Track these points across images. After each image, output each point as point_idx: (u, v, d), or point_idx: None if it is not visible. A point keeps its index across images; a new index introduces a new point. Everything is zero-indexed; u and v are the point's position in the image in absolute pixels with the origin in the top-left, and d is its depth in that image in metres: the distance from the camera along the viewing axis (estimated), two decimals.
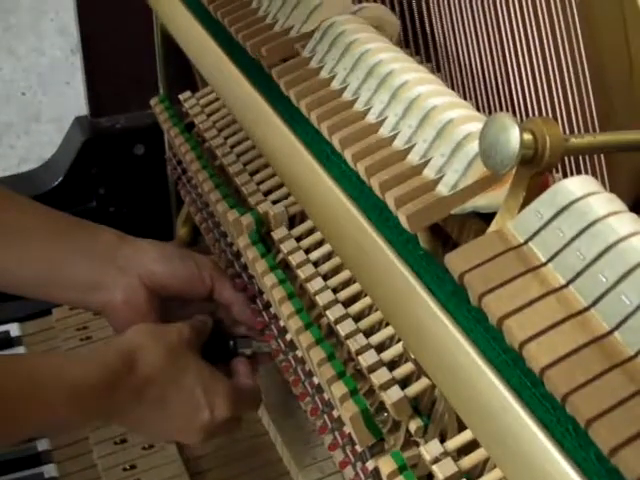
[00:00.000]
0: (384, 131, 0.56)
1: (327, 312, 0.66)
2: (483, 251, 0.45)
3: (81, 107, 1.15)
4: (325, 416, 0.67)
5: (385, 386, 0.59)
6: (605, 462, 0.37)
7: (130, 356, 0.67)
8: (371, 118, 0.58)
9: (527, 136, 0.45)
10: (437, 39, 0.70)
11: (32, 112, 1.54)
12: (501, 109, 0.64)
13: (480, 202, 0.51)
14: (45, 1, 1.46)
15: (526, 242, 0.45)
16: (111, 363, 0.65)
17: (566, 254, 0.43)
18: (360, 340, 0.63)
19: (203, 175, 0.83)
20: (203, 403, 0.70)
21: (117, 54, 1.10)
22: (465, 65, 0.67)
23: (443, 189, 0.51)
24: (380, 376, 0.60)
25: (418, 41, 0.72)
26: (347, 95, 0.60)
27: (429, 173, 0.52)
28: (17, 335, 1.01)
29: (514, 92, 0.62)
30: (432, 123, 0.53)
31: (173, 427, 0.70)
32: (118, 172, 1.13)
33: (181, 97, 0.96)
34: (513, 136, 0.44)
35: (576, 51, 0.55)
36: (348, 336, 0.63)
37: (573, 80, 0.56)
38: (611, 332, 0.41)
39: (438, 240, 0.53)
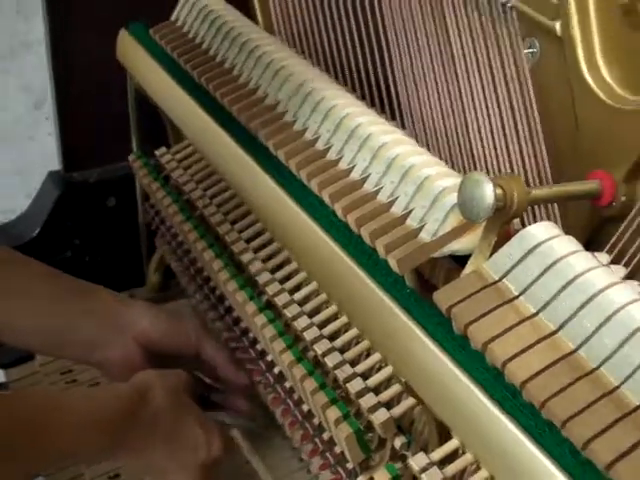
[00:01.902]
0: (369, 186, 0.65)
1: (314, 346, 0.74)
2: (465, 288, 0.54)
3: (46, 161, 1.21)
4: (317, 440, 0.74)
5: (372, 409, 0.67)
6: (578, 455, 0.46)
7: (142, 391, 0.74)
8: (355, 175, 0.66)
9: (499, 191, 0.54)
10: (401, 99, 0.79)
11: None
12: (462, 163, 0.73)
13: (456, 246, 0.60)
14: (9, 61, 1.52)
15: (500, 279, 0.54)
16: (127, 395, 0.72)
17: (535, 288, 0.53)
18: (347, 369, 0.71)
19: (188, 226, 0.90)
20: (202, 441, 0.77)
21: (89, 110, 1.16)
22: (428, 123, 0.76)
23: (425, 236, 0.59)
24: (368, 400, 0.67)
25: (383, 100, 0.82)
26: (331, 155, 0.69)
27: (412, 223, 0.61)
28: (2, 382, 1.05)
29: (474, 148, 0.71)
30: (412, 179, 0.62)
31: (178, 463, 0.76)
32: (92, 223, 1.19)
33: (157, 153, 1.03)
34: (488, 191, 0.54)
35: (529, 111, 0.65)
36: (335, 367, 0.71)
37: (527, 137, 0.66)
38: (576, 350, 0.50)
39: (419, 279, 0.62)
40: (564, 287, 0.51)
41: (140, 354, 0.83)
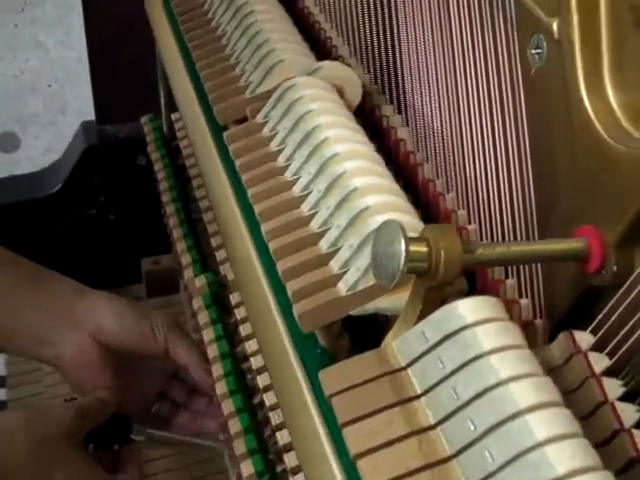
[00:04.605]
0: (305, 208, 0.52)
1: (258, 378, 0.63)
2: (360, 371, 0.41)
3: None
4: None
5: (295, 470, 0.56)
6: None
7: None
8: (296, 190, 0.54)
9: (417, 248, 0.40)
10: (407, 95, 0.65)
11: (58, 104, 1.55)
12: (454, 173, 0.59)
13: (383, 304, 0.46)
14: None
15: (406, 367, 0.41)
16: None
17: (441, 390, 0.39)
18: (282, 415, 0.59)
19: (171, 208, 0.80)
20: None
21: (125, 61, 1.08)
22: (429, 127, 0.62)
23: (343, 287, 0.46)
24: (292, 458, 0.56)
25: (392, 92, 0.68)
26: (281, 160, 0.56)
27: (334, 265, 0.48)
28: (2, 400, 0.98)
29: (466, 164, 0.57)
30: (348, 208, 0.49)
31: None
32: (119, 181, 1.12)
33: (173, 117, 0.93)
34: (399, 249, 0.40)
35: (519, 132, 0.50)
36: (272, 407, 0.60)
37: (517, 164, 0.51)
38: None
39: (343, 335, 0.49)
40: (476, 397, 0.38)
41: (97, 352, 0.75)
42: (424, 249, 0.41)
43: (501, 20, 0.50)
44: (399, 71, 0.66)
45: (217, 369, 0.64)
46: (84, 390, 0.75)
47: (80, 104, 1.51)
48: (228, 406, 0.61)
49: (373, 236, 0.42)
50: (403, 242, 0.40)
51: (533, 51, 0.50)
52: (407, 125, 0.66)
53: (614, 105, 0.44)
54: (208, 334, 0.66)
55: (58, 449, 0.66)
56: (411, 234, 0.41)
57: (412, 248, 0.40)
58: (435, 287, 0.42)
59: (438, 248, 0.41)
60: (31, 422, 0.67)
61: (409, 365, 0.41)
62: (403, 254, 0.40)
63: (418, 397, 0.40)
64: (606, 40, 0.44)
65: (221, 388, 0.63)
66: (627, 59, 0.44)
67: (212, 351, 0.65)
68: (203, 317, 0.68)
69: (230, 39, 0.70)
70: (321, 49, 0.79)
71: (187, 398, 0.81)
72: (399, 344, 0.41)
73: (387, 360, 0.41)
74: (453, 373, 0.39)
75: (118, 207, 1.13)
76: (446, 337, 0.40)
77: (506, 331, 0.40)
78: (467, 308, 0.40)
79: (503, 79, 0.51)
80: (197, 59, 0.70)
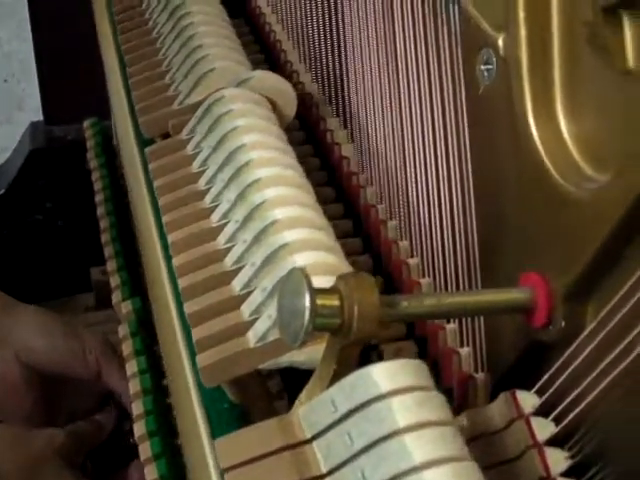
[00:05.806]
0: (221, 240, 0.46)
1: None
2: (259, 442, 0.35)
3: None
4: None
5: None
6: None
7: None
8: (214, 218, 0.48)
9: (325, 302, 0.34)
10: (352, 109, 0.60)
11: (14, 100, 1.48)
12: (397, 199, 0.53)
13: (299, 357, 0.40)
14: None
15: (311, 440, 0.35)
16: None
17: (348, 472, 0.33)
18: None
19: (104, 223, 0.74)
20: None
21: (76, 59, 1.02)
22: (372, 146, 0.56)
23: (252, 337, 0.41)
24: None
25: (339, 104, 0.62)
26: (201, 182, 0.50)
27: (245, 311, 0.42)
28: None
29: (409, 183, 0.51)
30: (265, 244, 0.43)
31: None
32: (67, 186, 1.05)
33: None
34: (303, 303, 0.34)
35: (463, 159, 0.44)
36: None
37: (459, 195, 0.45)
38: None
39: (260, 389, 0.43)
40: None
41: (20, 372, 0.70)
42: (335, 303, 0.35)
43: (445, 34, 0.44)
44: (345, 83, 0.60)
45: (137, 407, 0.58)
46: (5, 412, 0.70)
47: (38, 100, 1.44)
48: (145, 450, 0.55)
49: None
50: (308, 296, 0.34)
51: (482, 67, 0.44)
52: (353, 141, 0.60)
53: (565, 136, 0.38)
54: (131, 367, 0.60)
55: (47, 468, 0.64)
56: (322, 284, 0.35)
57: (320, 302, 0.34)
58: (351, 344, 0.36)
59: (351, 301, 0.35)
60: (16, 442, 0.64)
61: (315, 438, 0.35)
62: (307, 310, 0.34)
63: (322, 477, 0.34)
64: (558, 60, 0.38)
65: (139, 429, 0.57)
66: (581, 83, 0.38)
67: (133, 386, 0.59)
68: (127, 347, 0.62)
69: (164, 42, 0.64)
70: (270, 54, 0.73)
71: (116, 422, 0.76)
72: (305, 412, 0.36)
73: (291, 430, 0.35)
74: (362, 452, 0.33)
75: (66, 213, 1.06)
76: (357, 408, 0.34)
77: (427, 403, 0.34)
78: (382, 374, 0.34)
79: (447, 100, 0.45)
80: (128, 64, 0.64)
